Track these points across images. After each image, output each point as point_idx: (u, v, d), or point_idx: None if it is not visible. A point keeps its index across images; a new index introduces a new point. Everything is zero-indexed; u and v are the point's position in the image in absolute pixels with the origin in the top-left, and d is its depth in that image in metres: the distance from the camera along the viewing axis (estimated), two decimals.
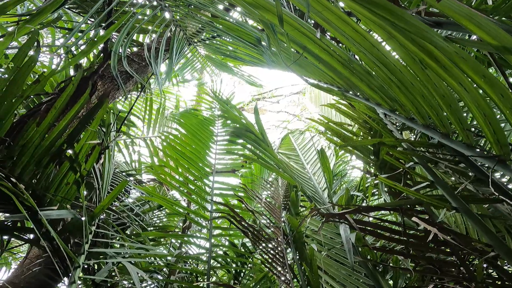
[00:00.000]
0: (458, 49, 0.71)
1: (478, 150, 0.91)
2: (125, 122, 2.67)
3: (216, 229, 2.69)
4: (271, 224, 2.44)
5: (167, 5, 2.03)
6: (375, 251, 1.80)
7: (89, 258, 1.67)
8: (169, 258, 2.39)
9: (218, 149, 2.74)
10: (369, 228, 1.49)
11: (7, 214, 1.58)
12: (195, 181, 2.60)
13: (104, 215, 2.15)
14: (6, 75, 1.29)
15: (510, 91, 0.71)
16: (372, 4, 0.81)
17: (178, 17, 2.08)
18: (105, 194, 1.84)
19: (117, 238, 2.13)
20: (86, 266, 1.82)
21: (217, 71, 3.02)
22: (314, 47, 1.29)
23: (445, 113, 0.97)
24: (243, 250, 2.83)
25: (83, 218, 1.59)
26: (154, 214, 2.87)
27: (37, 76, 1.64)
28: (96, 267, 1.99)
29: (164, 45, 2.08)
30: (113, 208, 2.15)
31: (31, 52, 1.29)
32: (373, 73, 1.16)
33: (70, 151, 1.47)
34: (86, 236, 1.49)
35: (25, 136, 1.34)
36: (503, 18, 1.43)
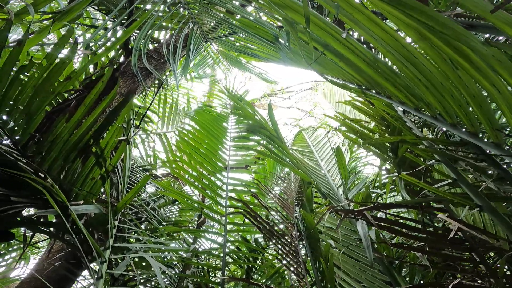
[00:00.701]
0: (496, 52, 0.72)
1: (507, 149, 0.92)
2: (143, 118, 2.70)
3: (229, 224, 2.72)
4: (285, 220, 2.48)
5: (184, 1, 2.04)
6: (391, 248, 1.82)
7: (117, 253, 1.71)
8: (183, 253, 2.43)
9: (232, 145, 2.77)
10: (387, 225, 1.51)
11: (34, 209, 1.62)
12: (209, 176, 2.63)
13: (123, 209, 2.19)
14: (29, 72, 1.32)
15: None
16: (408, 8, 0.82)
17: (195, 14, 2.09)
18: (125, 189, 1.88)
19: (133, 232, 2.17)
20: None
21: (230, 68, 3.04)
22: (339, 46, 1.30)
23: (474, 113, 0.98)
24: (255, 245, 2.87)
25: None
26: (168, 209, 2.91)
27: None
28: (113, 261, 2.04)
29: (182, 42, 2.10)
30: (132, 202, 2.19)
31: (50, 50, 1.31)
32: (400, 72, 1.17)
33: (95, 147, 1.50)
34: (111, 230, 1.53)
35: (54, 132, 1.37)
36: None
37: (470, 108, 1.00)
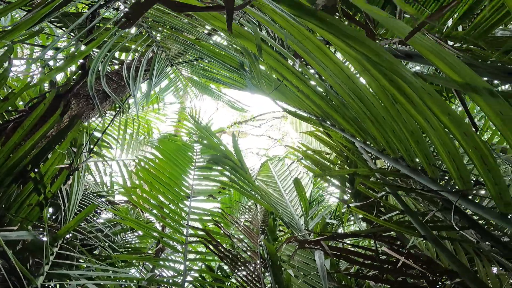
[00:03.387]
0: (425, 84, 0.74)
1: (443, 184, 0.93)
2: (99, 143, 2.60)
3: (192, 253, 2.60)
4: (249, 249, 2.42)
5: (147, 25, 2.04)
6: (349, 277, 1.79)
7: (51, 279, 1.57)
8: (137, 281, 2.27)
9: (196, 175, 2.70)
10: (343, 254, 1.49)
11: None
12: (170, 205, 2.54)
13: (70, 235, 2.04)
14: None
15: (473, 130, 0.74)
16: (347, 37, 0.83)
17: (159, 38, 2.09)
18: (71, 215, 1.75)
19: (78, 259, 2.00)
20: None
21: (199, 95, 3.03)
22: (291, 77, 1.32)
23: (413, 148, 1.00)
24: (220, 274, 2.75)
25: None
26: (127, 236, 2.74)
27: (10, 91, 1.58)
28: None
29: (145, 65, 2.07)
30: (80, 229, 2.04)
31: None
32: (348, 105, 1.19)
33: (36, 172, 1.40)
34: (46, 257, 1.40)
35: None
36: (471, 46, 1.53)
37: (410, 144, 1.02)
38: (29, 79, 2.09)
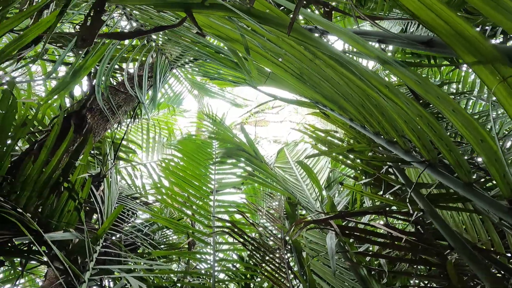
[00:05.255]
0: (353, 60, 0.77)
1: (414, 155, 0.95)
2: (125, 149, 2.84)
3: (222, 244, 2.77)
4: (274, 236, 2.52)
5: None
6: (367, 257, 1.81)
7: (100, 275, 1.82)
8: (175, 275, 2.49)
9: (217, 169, 2.85)
10: (352, 233, 1.53)
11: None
12: (196, 201, 2.72)
13: (116, 237, 2.32)
14: None
15: (415, 100, 0.76)
16: (299, 34, 0.88)
17: (160, 45, 2.21)
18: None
19: (123, 256, 2.26)
20: (99, 283, 1.96)
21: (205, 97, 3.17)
22: (271, 65, 1.38)
23: (382, 121, 1.01)
24: (251, 262, 2.89)
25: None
26: (164, 233, 3.00)
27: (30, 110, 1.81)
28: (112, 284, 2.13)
29: (148, 73, 2.22)
30: (124, 231, 2.29)
31: None
32: (320, 84, 1.23)
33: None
34: (90, 255, 1.63)
35: (24, 172, 1.50)
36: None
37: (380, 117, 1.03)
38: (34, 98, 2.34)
